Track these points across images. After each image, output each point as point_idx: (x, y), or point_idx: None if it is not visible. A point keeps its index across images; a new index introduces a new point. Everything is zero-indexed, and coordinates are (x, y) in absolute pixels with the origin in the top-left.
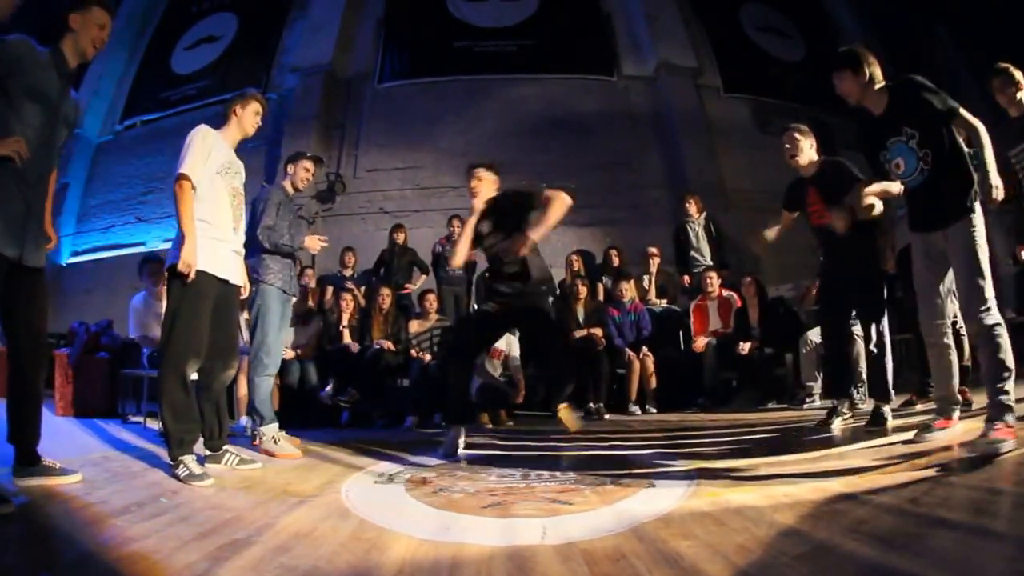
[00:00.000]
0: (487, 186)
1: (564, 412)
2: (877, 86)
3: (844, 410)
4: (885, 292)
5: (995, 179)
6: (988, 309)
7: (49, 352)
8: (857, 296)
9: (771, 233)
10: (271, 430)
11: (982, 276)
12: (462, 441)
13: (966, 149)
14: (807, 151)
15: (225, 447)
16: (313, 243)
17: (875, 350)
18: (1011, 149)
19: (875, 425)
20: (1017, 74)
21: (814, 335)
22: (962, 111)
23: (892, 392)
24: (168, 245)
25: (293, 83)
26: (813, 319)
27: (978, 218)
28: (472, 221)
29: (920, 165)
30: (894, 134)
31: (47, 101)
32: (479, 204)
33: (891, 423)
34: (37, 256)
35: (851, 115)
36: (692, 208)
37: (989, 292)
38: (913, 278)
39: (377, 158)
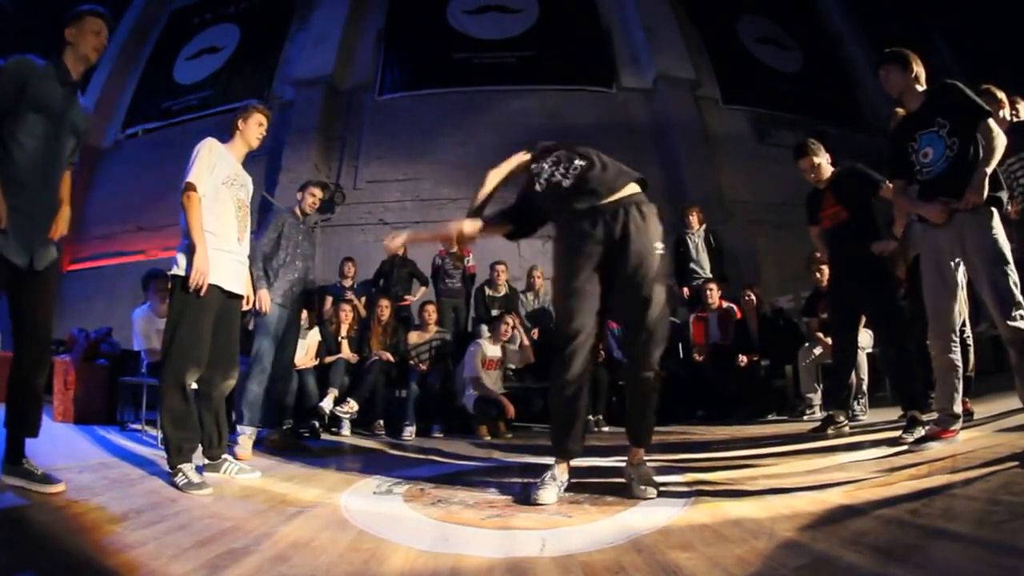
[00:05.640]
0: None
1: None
2: (919, 87)
3: (841, 419)
4: (897, 298)
5: (978, 185)
6: (1021, 314)
7: (50, 355)
8: (867, 302)
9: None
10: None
11: (1009, 275)
12: (565, 477)
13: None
14: (824, 166)
15: (224, 456)
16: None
17: (896, 356)
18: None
19: (911, 430)
20: (999, 93)
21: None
22: (992, 120)
23: (928, 398)
24: (168, 253)
25: (294, 94)
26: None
27: (996, 217)
28: None
29: (947, 153)
30: (926, 127)
31: (50, 111)
32: None
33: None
34: (44, 261)
35: (849, 125)
36: (693, 220)
37: (1018, 293)
38: (922, 290)
39: (377, 170)
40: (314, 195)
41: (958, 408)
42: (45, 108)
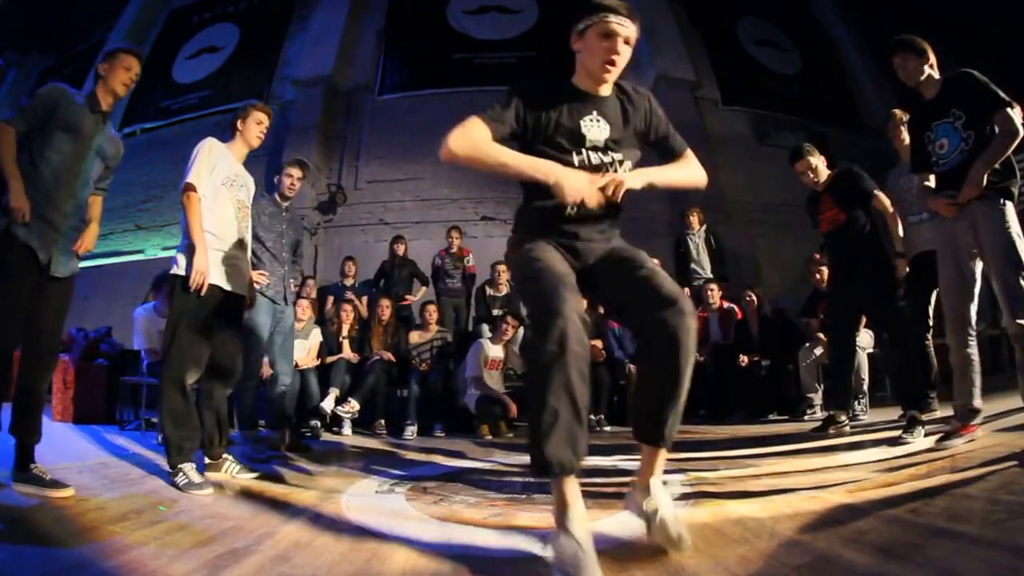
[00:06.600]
0: None
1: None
2: (935, 74)
3: (842, 419)
4: (897, 298)
5: (975, 179)
6: None
7: (53, 361)
8: (867, 303)
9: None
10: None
11: (1020, 274)
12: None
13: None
14: (821, 169)
15: (225, 456)
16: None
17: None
18: None
19: (911, 429)
20: None
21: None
22: (1011, 110)
23: (928, 398)
24: (168, 253)
25: (294, 94)
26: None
27: (1010, 209)
28: None
29: (962, 145)
30: (941, 117)
31: (77, 132)
32: None
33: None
34: (64, 268)
35: (847, 126)
36: (694, 220)
37: None
38: (939, 285)
39: (377, 170)
40: (291, 175)
41: (978, 403)
42: (73, 129)
